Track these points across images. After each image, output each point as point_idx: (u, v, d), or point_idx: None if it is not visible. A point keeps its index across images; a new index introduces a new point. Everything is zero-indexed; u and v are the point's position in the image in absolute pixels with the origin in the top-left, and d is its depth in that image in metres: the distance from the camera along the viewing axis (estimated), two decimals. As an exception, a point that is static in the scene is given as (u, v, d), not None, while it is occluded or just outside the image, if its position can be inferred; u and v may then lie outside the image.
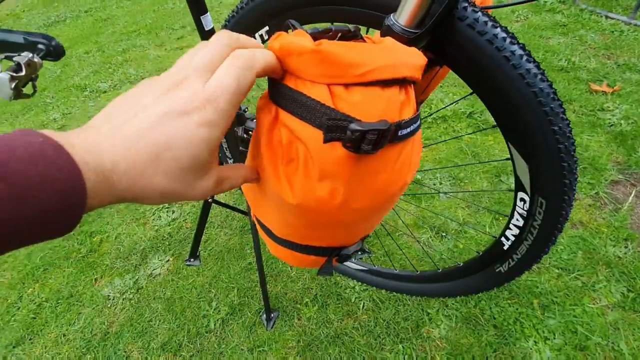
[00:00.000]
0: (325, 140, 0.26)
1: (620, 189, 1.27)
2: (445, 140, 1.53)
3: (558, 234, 0.44)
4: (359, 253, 0.42)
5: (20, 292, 1.23)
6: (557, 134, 0.36)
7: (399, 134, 0.28)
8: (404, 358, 0.95)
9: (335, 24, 0.43)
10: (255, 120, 0.90)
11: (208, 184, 0.26)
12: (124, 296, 1.17)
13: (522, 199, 0.45)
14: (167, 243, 1.31)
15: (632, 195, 1.24)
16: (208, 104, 0.23)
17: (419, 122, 0.31)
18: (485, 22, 0.35)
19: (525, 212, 0.45)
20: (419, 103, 0.76)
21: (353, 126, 0.25)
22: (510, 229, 0.49)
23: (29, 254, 1.34)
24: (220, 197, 1.45)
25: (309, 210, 0.31)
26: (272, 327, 1.04)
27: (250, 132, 0.89)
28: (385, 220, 1.28)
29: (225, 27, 0.58)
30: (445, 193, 1.34)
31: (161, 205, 1.44)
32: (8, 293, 1.24)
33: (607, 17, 2.09)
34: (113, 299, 1.16)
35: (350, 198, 0.30)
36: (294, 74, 0.28)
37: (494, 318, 1.00)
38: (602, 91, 1.63)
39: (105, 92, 2.26)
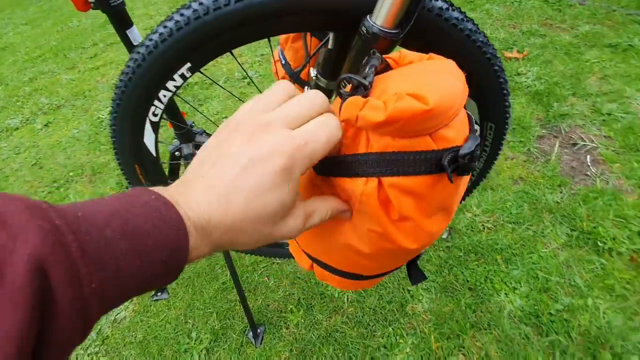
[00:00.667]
0: (452, 178, 0.25)
1: (545, 142, 1.43)
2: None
3: (503, 143, 0.53)
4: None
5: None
6: (498, 72, 0.43)
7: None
8: (396, 339, 0.98)
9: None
10: (203, 134, 0.85)
11: (296, 222, 0.26)
12: (89, 352, 1.05)
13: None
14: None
15: (557, 146, 1.40)
16: (296, 150, 0.23)
17: (474, 146, 0.32)
18: (448, 8, 0.37)
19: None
20: None
21: (464, 151, 0.25)
22: None
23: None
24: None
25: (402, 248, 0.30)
26: (261, 344, 1.01)
27: (199, 147, 0.84)
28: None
29: (128, 80, 0.48)
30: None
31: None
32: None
33: (506, -10, 2.31)
34: (75, 358, 1.04)
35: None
36: (395, 136, 0.25)
37: (467, 281, 1.07)
38: (514, 57, 1.81)
39: (17, 128, 1.99)
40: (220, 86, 0.75)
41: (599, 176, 1.27)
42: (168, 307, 1.13)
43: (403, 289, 1.08)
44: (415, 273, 0.39)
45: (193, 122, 0.83)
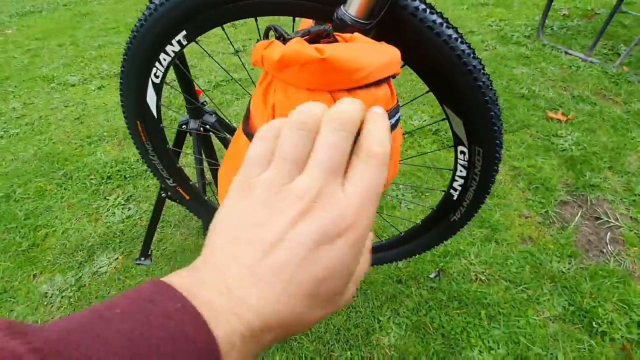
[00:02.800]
0: None
1: (568, 209, 1.34)
2: (413, 156, 1.58)
3: (495, 175, 0.50)
4: None
5: (-52, 285, 1.14)
6: (482, 88, 0.41)
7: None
8: (351, 365, 0.93)
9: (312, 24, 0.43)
10: (213, 115, 0.89)
11: (355, 287, 0.23)
12: (63, 294, 1.10)
13: (462, 152, 0.50)
14: (119, 240, 1.25)
15: (578, 215, 1.31)
16: (359, 219, 0.19)
17: (399, 114, 0.33)
18: (425, 9, 0.37)
19: (467, 162, 0.50)
20: None
21: None
22: (456, 180, 0.54)
23: (-37, 245, 1.25)
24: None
25: None
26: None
27: (207, 127, 0.88)
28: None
29: (134, 37, 0.51)
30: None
31: (117, 202, 1.39)
32: None
33: (566, 53, 2.25)
34: (51, 297, 1.09)
35: None
36: (289, 83, 0.26)
37: (443, 327, 1.01)
38: (557, 119, 1.74)
39: (73, 85, 2.19)
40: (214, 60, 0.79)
41: (613, 256, 1.16)
42: (146, 274, 1.16)
43: (374, 316, 1.04)
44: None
45: (205, 102, 0.88)
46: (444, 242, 0.64)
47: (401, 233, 0.70)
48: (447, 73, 0.41)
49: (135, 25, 0.51)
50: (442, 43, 0.38)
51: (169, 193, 0.93)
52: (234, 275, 0.18)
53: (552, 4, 2.31)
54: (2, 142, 1.73)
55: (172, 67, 0.63)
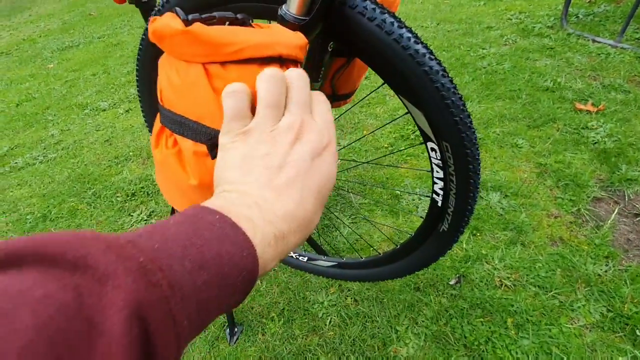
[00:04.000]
0: (213, 157, 0.30)
1: (602, 206, 1.24)
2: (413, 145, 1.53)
3: (475, 178, 0.46)
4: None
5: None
6: (429, 74, 0.40)
7: None
8: (367, 377, 0.90)
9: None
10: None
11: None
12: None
13: (432, 149, 0.47)
14: (142, 254, 1.31)
15: (615, 212, 1.20)
16: (331, 136, 0.27)
17: None
18: (374, 9, 0.36)
19: (440, 161, 0.48)
20: (348, 94, 0.76)
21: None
22: (436, 183, 0.51)
23: None
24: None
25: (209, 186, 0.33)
26: (234, 343, 1.01)
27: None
28: (360, 235, 1.26)
29: (138, 58, 0.56)
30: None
31: (140, 218, 1.45)
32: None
33: (594, 40, 2.11)
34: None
35: None
36: (170, 54, 0.29)
37: (465, 337, 0.95)
38: (587, 110, 1.63)
39: (104, 110, 2.34)
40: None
41: (661, 256, 1.05)
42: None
43: (391, 326, 1.00)
44: None
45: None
46: (441, 257, 0.60)
47: (397, 245, 0.67)
48: (390, 60, 0.40)
49: (137, 53, 0.55)
50: (376, 29, 0.38)
51: None
52: (258, 194, 0.23)
53: (576, -9, 2.19)
54: (42, 166, 1.87)
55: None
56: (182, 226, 0.19)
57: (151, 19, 0.29)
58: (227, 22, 0.29)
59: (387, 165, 1.53)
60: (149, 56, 0.56)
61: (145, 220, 1.44)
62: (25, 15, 5.15)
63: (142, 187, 1.59)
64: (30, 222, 1.50)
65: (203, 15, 0.27)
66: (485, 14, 2.69)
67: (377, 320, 1.02)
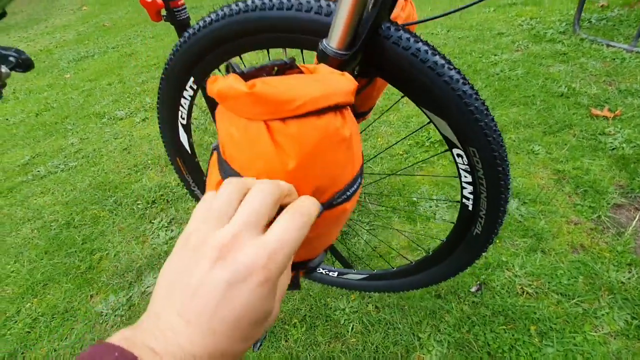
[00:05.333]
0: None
1: (623, 212, 1.23)
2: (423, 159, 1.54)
3: (505, 180, 0.47)
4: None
5: (19, 306, 1.26)
6: (449, 84, 0.41)
7: (334, 203, 0.32)
8: (391, 384, 0.91)
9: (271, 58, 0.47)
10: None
11: (277, 309, 0.26)
12: (116, 313, 1.18)
13: (459, 155, 0.48)
14: (163, 261, 1.33)
15: (636, 219, 1.20)
16: (271, 260, 0.22)
17: (360, 181, 0.35)
18: (408, 39, 0.38)
19: (468, 166, 0.48)
20: (366, 111, 0.77)
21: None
22: (465, 187, 0.52)
23: (31, 270, 1.38)
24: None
25: None
26: (258, 349, 1.02)
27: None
28: (379, 241, 1.27)
29: (160, 91, 0.60)
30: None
31: (161, 225, 1.48)
32: (7, 307, 1.27)
33: (608, 45, 2.11)
34: (105, 315, 1.18)
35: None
36: (231, 112, 0.30)
37: (488, 345, 0.95)
38: (604, 116, 1.62)
39: (121, 119, 2.39)
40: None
41: (686, 264, 1.04)
42: (189, 293, 1.22)
43: (413, 333, 1.00)
44: (294, 281, 0.42)
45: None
46: (475, 261, 0.61)
47: (429, 253, 0.68)
48: (412, 76, 0.41)
49: (159, 84, 0.58)
50: (408, 54, 0.39)
51: None
52: (167, 321, 0.21)
53: (588, -4, 2.19)
54: (63, 174, 1.92)
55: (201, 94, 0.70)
56: None
57: (211, 77, 0.31)
58: (276, 68, 0.31)
59: (417, 175, 1.54)
60: (168, 101, 0.60)
61: (166, 227, 1.47)
62: (42, 26, 5.29)
63: (162, 195, 1.63)
64: (54, 229, 1.54)
65: (256, 66, 0.29)
66: (495, 20, 2.70)
67: (399, 327, 1.02)
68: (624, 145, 1.45)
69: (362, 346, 0.99)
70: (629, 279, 1.03)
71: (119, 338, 0.21)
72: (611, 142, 1.49)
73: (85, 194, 1.73)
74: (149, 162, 1.89)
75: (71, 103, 2.74)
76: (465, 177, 0.50)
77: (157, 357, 0.20)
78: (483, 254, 0.59)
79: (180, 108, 0.61)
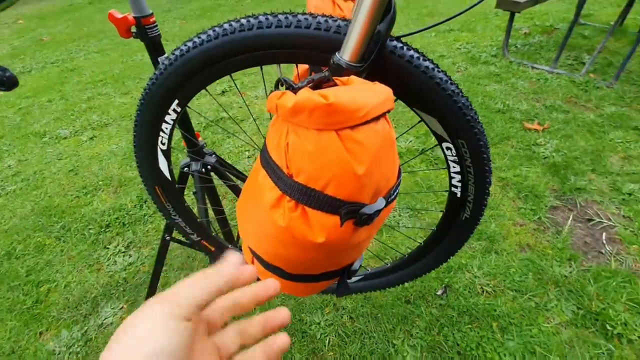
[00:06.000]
0: (342, 225, 0.33)
1: (559, 213, 1.39)
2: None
3: (489, 164, 0.52)
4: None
5: (-54, 355, 1.09)
6: (440, 85, 0.45)
7: (389, 200, 0.36)
8: (371, 393, 0.92)
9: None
10: (213, 156, 0.93)
11: None
12: (71, 350, 1.07)
13: (448, 148, 0.52)
14: (122, 289, 1.24)
15: (570, 219, 1.36)
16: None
17: (398, 189, 0.39)
18: (402, 47, 0.43)
19: (456, 157, 0.52)
20: None
21: (363, 211, 0.32)
22: (453, 177, 0.56)
23: (-39, 311, 1.21)
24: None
25: (334, 243, 0.36)
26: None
27: (208, 167, 0.91)
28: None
29: (138, 115, 0.59)
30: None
31: (117, 250, 1.38)
32: None
33: (532, 67, 2.40)
34: (58, 354, 1.06)
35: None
36: (300, 126, 0.31)
37: (457, 344, 1.01)
38: (534, 129, 1.83)
39: (65, 138, 2.22)
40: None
41: (614, 256, 1.20)
42: (153, 321, 1.14)
43: (388, 341, 1.03)
44: (341, 287, 0.43)
45: (205, 143, 0.92)
46: (464, 244, 0.65)
47: (421, 243, 0.72)
48: (408, 81, 0.45)
49: (137, 107, 0.57)
50: (405, 63, 0.44)
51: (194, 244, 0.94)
52: None
53: (513, 24, 2.49)
54: (0, 200, 1.72)
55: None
56: None
57: (275, 92, 0.32)
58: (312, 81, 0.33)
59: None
60: (148, 126, 0.59)
61: (124, 252, 1.37)
62: (-36, 38, 4.77)
63: (117, 218, 1.52)
64: (-12, 263, 1.37)
65: (305, 82, 0.31)
66: (437, 44, 2.95)
67: (374, 335, 1.05)
68: (554, 154, 1.65)
69: (340, 359, 1.00)
70: (570, 272, 1.16)
71: None
72: (543, 152, 1.68)
73: (27, 220, 1.56)
74: (100, 183, 1.76)
75: (6, 122, 2.49)
76: (454, 167, 0.55)
77: None
78: (470, 236, 0.63)
79: (161, 133, 0.59)
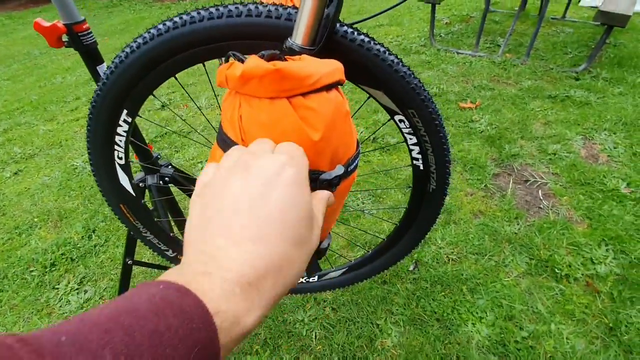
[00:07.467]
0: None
1: (501, 179, 1.53)
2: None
3: (443, 131, 0.53)
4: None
5: None
6: (379, 56, 0.46)
7: (349, 169, 0.35)
8: (365, 375, 0.94)
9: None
10: (170, 167, 0.89)
11: (321, 217, 0.26)
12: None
13: (400, 120, 0.53)
14: (82, 329, 1.12)
15: (511, 182, 1.50)
16: (293, 157, 0.25)
17: (358, 159, 0.39)
18: (353, 32, 0.45)
19: (410, 128, 0.54)
20: None
21: (322, 177, 0.32)
22: (412, 149, 0.57)
23: None
24: (144, 257, 1.32)
25: None
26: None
27: (166, 179, 0.87)
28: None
29: (89, 132, 0.56)
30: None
31: (69, 289, 1.25)
32: None
33: (457, 52, 2.62)
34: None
35: None
36: (252, 95, 0.31)
37: (435, 312, 1.07)
38: (468, 107, 2.00)
39: (-18, 177, 1.95)
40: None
41: (550, 208, 1.36)
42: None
43: (372, 323, 1.06)
44: (312, 266, 0.44)
45: (159, 154, 0.87)
46: (438, 216, 0.66)
47: (397, 224, 0.72)
48: (354, 58, 0.46)
49: (87, 122, 0.53)
50: (354, 45, 0.45)
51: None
52: (212, 246, 0.21)
53: (435, 16, 2.69)
54: None
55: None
56: (110, 308, 0.17)
57: (224, 65, 0.32)
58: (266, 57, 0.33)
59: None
60: (101, 141, 0.55)
61: (77, 289, 1.24)
62: None
63: (63, 254, 1.38)
64: None
65: (254, 56, 0.31)
66: (371, 38, 3.09)
67: (357, 321, 1.07)
68: (488, 128, 1.82)
69: (329, 350, 1.01)
70: (519, 229, 1.29)
71: (164, 277, 0.19)
72: (479, 127, 1.84)
73: (-52, 276, 1.35)
74: (35, 220, 1.58)
75: None
76: (411, 139, 0.56)
77: (209, 277, 0.19)
78: (443, 205, 0.64)
79: (116, 147, 0.55)
